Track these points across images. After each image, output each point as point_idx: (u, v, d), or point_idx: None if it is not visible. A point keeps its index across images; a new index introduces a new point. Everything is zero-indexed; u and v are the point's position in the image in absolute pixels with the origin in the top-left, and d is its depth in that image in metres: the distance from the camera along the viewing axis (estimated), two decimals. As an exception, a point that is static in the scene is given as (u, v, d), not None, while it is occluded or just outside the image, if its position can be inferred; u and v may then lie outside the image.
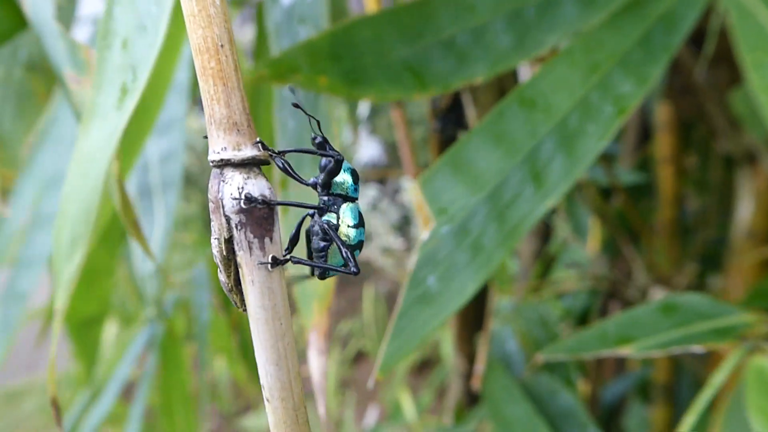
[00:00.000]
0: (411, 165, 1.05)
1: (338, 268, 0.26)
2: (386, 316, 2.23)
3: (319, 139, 0.26)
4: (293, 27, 0.50)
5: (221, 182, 0.21)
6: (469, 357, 1.03)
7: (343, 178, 0.26)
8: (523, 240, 1.39)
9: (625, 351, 0.47)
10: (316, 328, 0.37)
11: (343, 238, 0.26)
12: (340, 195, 0.26)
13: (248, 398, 2.04)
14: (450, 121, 0.88)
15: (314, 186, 0.26)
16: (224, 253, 0.22)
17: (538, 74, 0.48)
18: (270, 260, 0.22)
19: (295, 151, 0.27)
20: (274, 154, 0.24)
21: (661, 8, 0.52)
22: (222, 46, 0.21)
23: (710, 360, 0.96)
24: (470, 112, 0.90)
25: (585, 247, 1.22)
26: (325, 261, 0.26)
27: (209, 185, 0.22)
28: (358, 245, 0.26)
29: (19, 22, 0.49)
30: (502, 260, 0.41)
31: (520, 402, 0.84)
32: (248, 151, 0.22)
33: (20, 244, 0.56)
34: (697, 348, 0.46)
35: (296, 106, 0.26)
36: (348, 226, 0.26)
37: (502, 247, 0.41)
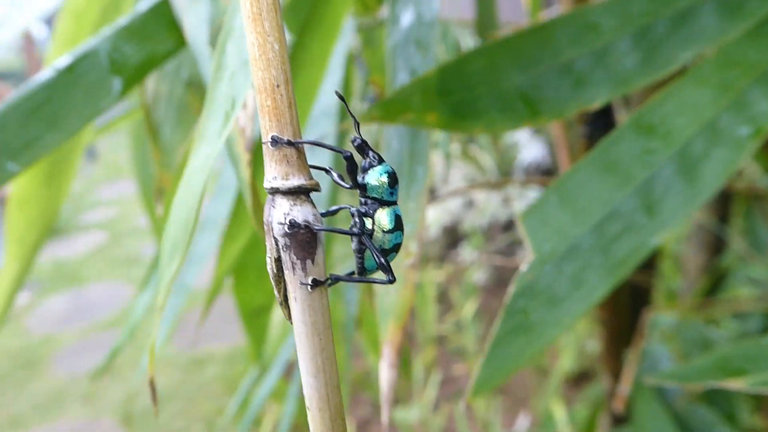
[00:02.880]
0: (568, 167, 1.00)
1: (376, 280, 0.26)
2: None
3: (358, 142, 0.26)
4: (407, 49, 0.52)
5: (272, 207, 0.23)
6: (616, 374, 0.98)
7: (380, 181, 0.26)
8: (689, 251, 1.26)
9: (736, 384, 0.43)
10: (390, 343, 0.39)
11: (378, 243, 0.26)
12: (376, 199, 0.26)
13: (398, 391, 2.13)
14: (599, 127, 0.84)
15: (354, 188, 0.27)
16: (275, 270, 0.24)
17: (659, 98, 0.45)
18: (310, 281, 0.23)
19: (312, 143, 0.26)
20: (297, 144, 0.24)
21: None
22: (278, 86, 0.23)
23: None
24: (621, 116, 0.84)
25: (765, 265, 1.08)
26: (362, 262, 0.27)
27: (265, 209, 0.24)
28: (395, 248, 0.27)
29: (180, 43, 0.56)
30: (604, 294, 0.40)
31: (669, 433, 0.78)
32: (295, 181, 0.23)
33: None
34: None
35: (340, 97, 0.27)
36: (383, 231, 0.26)
37: (605, 282, 0.40)
